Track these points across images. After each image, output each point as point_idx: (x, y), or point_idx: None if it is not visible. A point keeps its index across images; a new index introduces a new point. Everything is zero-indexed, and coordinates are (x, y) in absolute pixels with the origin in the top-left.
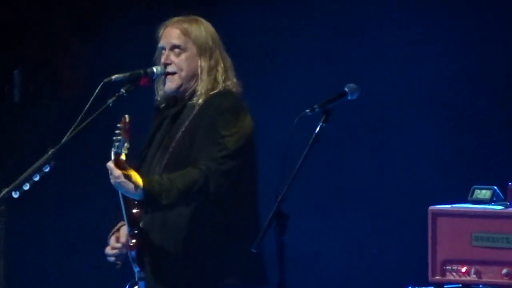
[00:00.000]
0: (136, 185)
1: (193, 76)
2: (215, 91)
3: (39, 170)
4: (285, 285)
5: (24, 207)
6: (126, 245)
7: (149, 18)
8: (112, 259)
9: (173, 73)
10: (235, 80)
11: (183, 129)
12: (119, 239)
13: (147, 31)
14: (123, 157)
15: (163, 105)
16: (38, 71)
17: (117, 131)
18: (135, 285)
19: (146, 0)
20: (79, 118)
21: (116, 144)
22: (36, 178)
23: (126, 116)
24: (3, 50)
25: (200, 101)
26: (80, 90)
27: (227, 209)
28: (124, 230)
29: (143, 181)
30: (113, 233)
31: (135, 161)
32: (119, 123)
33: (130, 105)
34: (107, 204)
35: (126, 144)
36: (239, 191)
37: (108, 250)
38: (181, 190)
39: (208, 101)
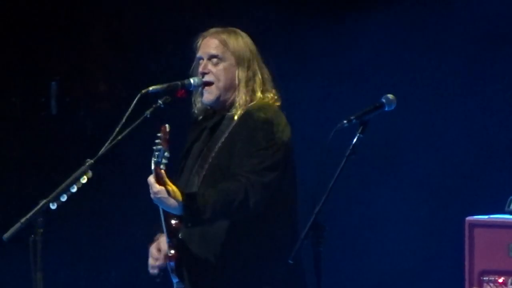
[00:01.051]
0: (176, 201)
1: (231, 86)
2: (254, 103)
3: (76, 181)
4: None
5: (61, 219)
6: (166, 255)
7: (185, 30)
8: (155, 271)
9: (211, 83)
10: (273, 91)
11: (222, 140)
12: (161, 249)
13: (181, 44)
14: (163, 167)
15: (200, 117)
16: (75, 83)
17: (157, 141)
18: None
19: (182, 12)
20: (117, 129)
21: (156, 153)
22: (74, 190)
23: (166, 125)
24: (40, 62)
25: (239, 112)
26: (116, 102)
27: (266, 221)
28: (163, 241)
29: (182, 196)
30: (153, 244)
31: (174, 173)
32: (159, 133)
33: (167, 117)
34: (144, 216)
35: (166, 154)
36: (278, 203)
37: (151, 261)
38: (221, 206)
39: (247, 113)
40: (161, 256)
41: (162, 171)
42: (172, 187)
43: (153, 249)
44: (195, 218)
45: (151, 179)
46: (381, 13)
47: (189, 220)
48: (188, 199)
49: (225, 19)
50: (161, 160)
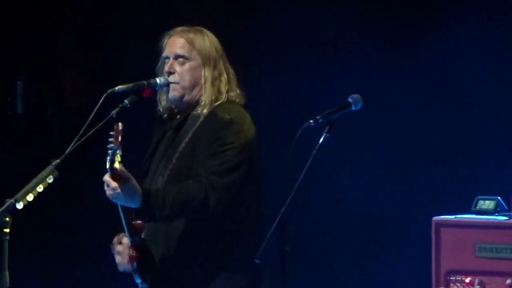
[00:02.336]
0: (134, 194)
1: (196, 86)
2: (219, 102)
3: (42, 181)
4: None
5: (27, 218)
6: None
7: (152, 29)
8: (123, 266)
9: (175, 83)
10: (238, 91)
11: (186, 140)
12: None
13: (150, 42)
14: (117, 165)
15: (165, 115)
16: (41, 82)
17: (110, 139)
18: None
19: (150, 11)
20: (83, 128)
21: (110, 151)
22: (40, 189)
23: (119, 124)
24: (6, 61)
25: (204, 111)
26: (83, 101)
27: (231, 221)
28: (126, 239)
29: (141, 190)
30: (116, 243)
31: (138, 172)
32: (112, 131)
33: (132, 116)
34: (108, 216)
35: (118, 152)
36: (243, 203)
37: (119, 258)
38: (180, 203)
39: (211, 113)
40: (126, 250)
41: (119, 167)
42: (130, 180)
43: (117, 246)
44: (153, 213)
45: (106, 177)
46: None
47: (147, 215)
48: (147, 192)
49: (195, 19)
50: (115, 158)
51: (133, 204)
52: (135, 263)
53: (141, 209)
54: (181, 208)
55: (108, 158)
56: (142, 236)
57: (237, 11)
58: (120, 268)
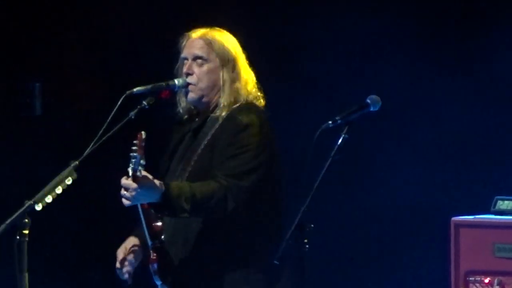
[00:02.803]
0: (155, 188)
1: (214, 87)
2: (237, 105)
3: (61, 183)
4: None
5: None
6: (148, 263)
7: (171, 31)
8: (125, 275)
9: (193, 85)
10: (258, 93)
11: (205, 142)
12: (126, 253)
13: (168, 44)
14: (139, 174)
15: (185, 117)
16: (59, 84)
17: (133, 148)
18: None
19: (165, 12)
20: (101, 130)
21: (133, 160)
22: (59, 191)
23: (142, 132)
24: (23, 63)
25: (223, 114)
26: (100, 104)
27: (250, 222)
28: (129, 242)
29: (164, 185)
30: (121, 248)
31: (158, 175)
32: (135, 140)
33: (151, 118)
34: (127, 217)
35: (142, 161)
36: (262, 204)
37: (117, 264)
38: (199, 200)
39: (230, 115)
40: (127, 260)
41: (139, 173)
42: (152, 179)
43: (119, 253)
44: (173, 208)
45: (125, 181)
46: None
47: (167, 209)
48: (168, 186)
49: (210, 19)
50: (137, 167)
51: (154, 198)
52: (155, 265)
53: (161, 202)
54: (200, 205)
55: (131, 166)
56: (162, 238)
57: (260, 11)
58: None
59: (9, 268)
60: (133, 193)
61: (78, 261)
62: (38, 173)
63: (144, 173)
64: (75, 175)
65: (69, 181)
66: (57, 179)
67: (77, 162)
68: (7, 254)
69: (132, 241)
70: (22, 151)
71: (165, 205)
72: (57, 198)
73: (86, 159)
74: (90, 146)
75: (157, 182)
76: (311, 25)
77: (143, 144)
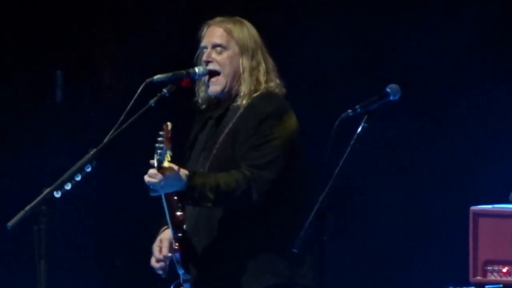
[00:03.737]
0: (180, 178)
1: (235, 75)
2: (258, 93)
3: (80, 170)
4: (326, 285)
5: (65, 207)
6: (170, 252)
7: (190, 17)
8: (159, 272)
9: (216, 73)
10: (278, 81)
11: (227, 131)
12: (162, 249)
13: (188, 32)
14: (166, 164)
15: (203, 106)
16: (80, 72)
17: (159, 139)
18: (180, 285)
19: (188, 1)
20: (121, 118)
21: (159, 151)
22: (78, 178)
23: (168, 123)
24: (45, 51)
25: (244, 102)
26: (120, 91)
27: (272, 212)
28: (165, 238)
29: (188, 172)
30: (156, 243)
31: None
32: (161, 131)
33: (171, 106)
34: (148, 204)
35: (168, 152)
36: (284, 193)
37: (153, 262)
38: (224, 190)
39: (252, 104)
40: (162, 257)
41: (165, 164)
42: (178, 169)
43: (155, 250)
44: (197, 196)
45: (152, 171)
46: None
47: (191, 198)
48: (193, 174)
49: (230, 9)
50: (163, 158)
51: (179, 186)
52: (178, 255)
53: (185, 191)
54: (224, 195)
55: (157, 157)
56: (184, 227)
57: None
58: (155, 269)
59: (27, 256)
60: (158, 184)
61: (98, 249)
62: (58, 161)
63: (169, 164)
64: (94, 163)
65: (88, 168)
66: (76, 166)
67: (96, 150)
68: (26, 242)
69: (166, 235)
70: (43, 139)
71: (189, 194)
72: (76, 185)
73: (106, 146)
74: (110, 134)
75: (182, 172)
76: (324, 13)
77: (170, 135)
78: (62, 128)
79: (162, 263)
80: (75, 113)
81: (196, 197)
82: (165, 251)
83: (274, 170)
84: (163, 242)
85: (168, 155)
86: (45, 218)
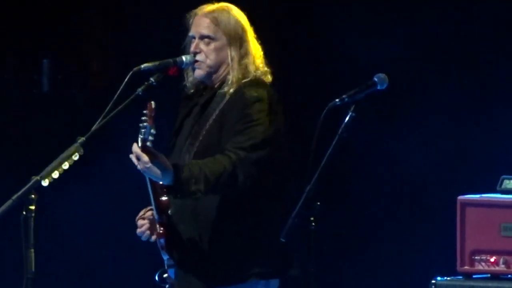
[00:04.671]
0: (165, 170)
1: (222, 65)
2: (246, 80)
3: (68, 158)
4: (312, 275)
5: (53, 196)
6: (153, 223)
7: (178, 6)
8: (145, 234)
9: (201, 62)
10: (266, 68)
11: (213, 117)
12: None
13: (175, 19)
14: (149, 144)
15: (191, 91)
16: (67, 61)
17: (143, 118)
18: (165, 272)
19: None
20: (109, 106)
21: (143, 130)
22: (66, 167)
23: (152, 102)
24: (31, 40)
25: (231, 90)
26: (108, 79)
27: (257, 199)
28: (149, 214)
29: (172, 166)
30: (139, 217)
31: (164, 149)
32: (145, 110)
33: (159, 93)
34: (136, 192)
35: (152, 131)
36: (268, 180)
37: (138, 230)
38: (210, 178)
39: (239, 90)
40: (146, 222)
41: (149, 143)
42: (160, 157)
43: (139, 221)
44: (184, 189)
45: (138, 150)
46: None
47: (178, 191)
48: (178, 168)
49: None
50: (148, 137)
51: (164, 180)
52: (162, 240)
53: (172, 185)
54: (211, 182)
55: (141, 136)
56: (169, 212)
57: None
58: (143, 238)
59: (15, 245)
60: (142, 166)
61: (85, 239)
62: (45, 149)
63: (154, 151)
64: (82, 151)
65: (75, 157)
66: (64, 155)
67: (84, 138)
68: (14, 230)
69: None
70: (30, 128)
71: (176, 188)
72: (63, 174)
73: (93, 135)
74: (97, 122)
75: (167, 163)
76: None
77: (153, 114)
78: (50, 117)
79: (146, 224)
80: (62, 102)
81: (184, 190)
82: (148, 214)
83: (260, 153)
84: (147, 213)
85: (151, 134)
86: (33, 207)
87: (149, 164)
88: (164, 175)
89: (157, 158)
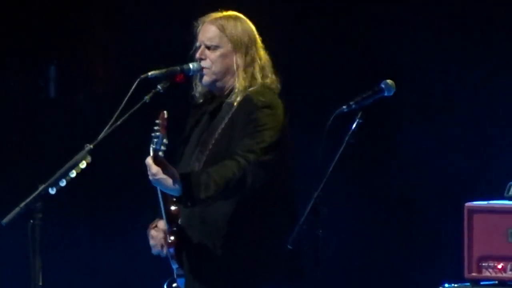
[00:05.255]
0: (174, 181)
1: (228, 72)
2: (253, 88)
3: (75, 166)
4: (320, 280)
5: (60, 204)
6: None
7: (187, 13)
8: (157, 248)
9: (207, 68)
10: (273, 76)
11: (222, 126)
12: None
13: (185, 27)
14: (161, 153)
15: (200, 101)
16: (74, 67)
17: (155, 127)
18: (174, 282)
19: None
20: (116, 114)
21: (155, 140)
22: (73, 175)
23: (165, 112)
24: (39, 45)
25: (238, 98)
26: (115, 87)
27: (265, 205)
28: (161, 224)
29: (181, 176)
30: (151, 226)
31: (173, 158)
32: (157, 119)
33: (166, 101)
34: (143, 200)
35: (164, 141)
36: (276, 186)
37: (151, 241)
38: (219, 184)
39: (247, 97)
40: (160, 233)
41: (161, 153)
42: (170, 168)
43: (152, 231)
44: (193, 198)
45: (149, 160)
46: None
47: (188, 200)
48: (186, 178)
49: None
50: (160, 147)
51: (173, 191)
52: (172, 249)
53: (182, 195)
54: (221, 189)
55: (153, 146)
56: (179, 222)
57: None
58: (153, 251)
59: (22, 252)
60: (152, 177)
61: (94, 244)
62: (53, 157)
63: (166, 162)
64: (89, 159)
65: (83, 164)
66: (71, 162)
67: (91, 146)
68: (21, 238)
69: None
70: (37, 135)
71: (185, 198)
72: (71, 181)
73: (100, 142)
74: (105, 130)
75: (176, 174)
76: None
77: (166, 123)
78: (57, 122)
79: (159, 239)
80: (69, 108)
81: (194, 198)
82: (162, 229)
83: (268, 156)
84: (160, 225)
85: (164, 144)
86: (40, 214)
87: (159, 176)
88: (173, 185)
89: (167, 169)
